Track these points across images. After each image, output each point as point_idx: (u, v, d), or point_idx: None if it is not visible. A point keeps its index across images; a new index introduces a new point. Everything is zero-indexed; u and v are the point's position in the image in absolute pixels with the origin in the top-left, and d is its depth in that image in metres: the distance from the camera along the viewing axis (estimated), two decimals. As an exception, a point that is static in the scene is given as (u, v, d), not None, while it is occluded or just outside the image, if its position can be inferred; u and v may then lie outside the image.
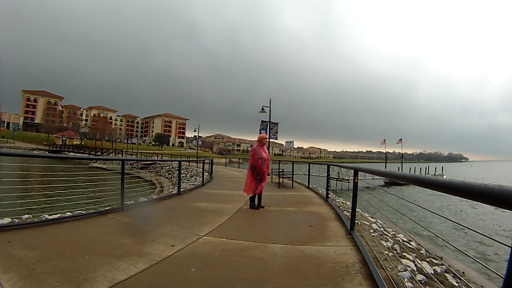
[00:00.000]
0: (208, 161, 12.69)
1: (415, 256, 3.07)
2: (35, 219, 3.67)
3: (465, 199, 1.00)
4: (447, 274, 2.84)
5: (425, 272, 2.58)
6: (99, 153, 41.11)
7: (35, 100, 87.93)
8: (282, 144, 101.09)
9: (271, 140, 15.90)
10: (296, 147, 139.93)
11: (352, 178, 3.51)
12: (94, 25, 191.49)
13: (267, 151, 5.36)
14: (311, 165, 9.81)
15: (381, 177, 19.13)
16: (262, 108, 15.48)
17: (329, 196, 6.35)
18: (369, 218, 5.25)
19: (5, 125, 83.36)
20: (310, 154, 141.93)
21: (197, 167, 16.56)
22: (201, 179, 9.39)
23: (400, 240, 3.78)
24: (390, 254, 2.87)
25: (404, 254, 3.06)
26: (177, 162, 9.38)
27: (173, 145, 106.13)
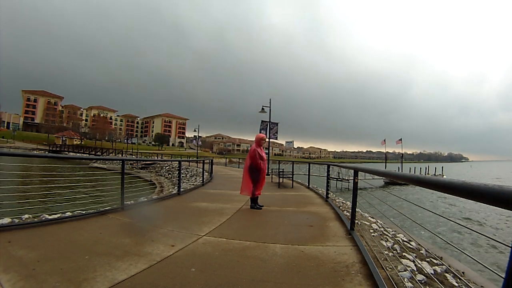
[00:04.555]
0: (208, 161, 12.69)
1: (415, 256, 3.06)
2: (35, 219, 3.66)
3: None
4: (447, 274, 2.83)
5: (425, 272, 2.58)
6: (99, 153, 41.09)
7: (35, 100, 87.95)
8: (282, 144, 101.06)
9: (271, 140, 15.89)
10: (296, 147, 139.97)
11: (352, 178, 3.51)
12: (85, 30, 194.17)
13: (264, 152, 5.37)
14: (311, 165, 9.80)
15: (381, 177, 19.15)
16: (262, 108, 15.48)
17: (329, 196, 6.35)
18: (369, 218, 5.25)
19: (5, 125, 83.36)
20: (310, 154, 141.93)
21: (197, 167, 16.56)
22: (201, 179, 9.39)
23: (400, 240, 3.78)
24: (390, 254, 2.87)
25: (404, 254, 3.06)
26: (177, 162, 9.38)
27: (173, 145, 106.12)
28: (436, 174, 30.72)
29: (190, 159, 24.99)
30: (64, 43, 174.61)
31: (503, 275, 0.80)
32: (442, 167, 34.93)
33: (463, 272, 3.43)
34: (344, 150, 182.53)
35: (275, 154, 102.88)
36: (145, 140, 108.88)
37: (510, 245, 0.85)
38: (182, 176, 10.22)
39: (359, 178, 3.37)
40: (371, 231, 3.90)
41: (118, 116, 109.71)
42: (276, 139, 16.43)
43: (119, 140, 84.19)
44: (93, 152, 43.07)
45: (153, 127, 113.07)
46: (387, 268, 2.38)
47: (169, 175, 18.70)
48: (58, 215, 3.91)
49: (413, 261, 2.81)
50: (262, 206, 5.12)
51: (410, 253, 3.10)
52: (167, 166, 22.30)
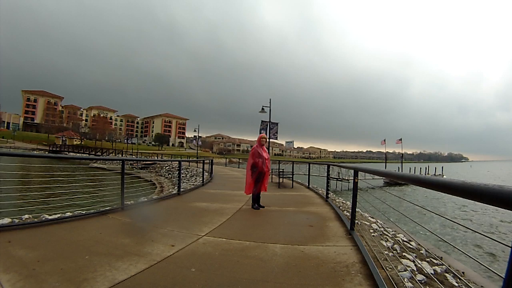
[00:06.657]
0: (208, 161, 12.69)
1: (415, 256, 3.07)
2: (35, 219, 3.67)
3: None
4: (447, 274, 2.84)
5: (425, 272, 2.58)
6: (99, 153, 41.10)
7: (35, 100, 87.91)
8: (282, 144, 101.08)
9: (271, 140, 15.90)
10: (296, 147, 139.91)
11: (352, 178, 3.51)
12: (81, 31, 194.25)
13: (267, 151, 5.37)
14: (311, 165, 9.80)
15: (381, 177, 19.15)
16: (262, 108, 15.49)
17: (329, 196, 6.35)
18: (369, 218, 5.25)
19: (5, 125, 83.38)
20: (310, 154, 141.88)
21: (197, 167, 16.56)
22: (201, 179, 9.39)
23: (400, 240, 3.78)
24: (390, 254, 2.87)
25: (404, 254, 3.06)
26: (177, 162, 9.38)
27: (173, 145, 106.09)
28: (436, 174, 30.74)
29: (190, 159, 24.99)
30: (61, 44, 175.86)
31: (503, 275, 0.80)
32: (442, 167, 34.97)
33: (463, 272, 3.43)
34: (344, 150, 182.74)
35: (275, 154, 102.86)
36: (145, 140, 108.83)
37: (510, 245, 0.85)
38: (182, 176, 10.21)
39: (359, 178, 3.37)
40: (371, 231, 3.90)
41: (118, 116, 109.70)
42: (276, 139, 16.46)
43: (119, 140, 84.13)
44: (93, 152, 43.08)
45: (153, 127, 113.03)
46: (387, 268, 2.38)
47: (169, 175, 18.69)
48: (58, 215, 3.91)
49: (413, 261, 2.81)
50: (263, 206, 5.12)
51: (410, 253, 3.10)
52: (167, 166, 22.30)
